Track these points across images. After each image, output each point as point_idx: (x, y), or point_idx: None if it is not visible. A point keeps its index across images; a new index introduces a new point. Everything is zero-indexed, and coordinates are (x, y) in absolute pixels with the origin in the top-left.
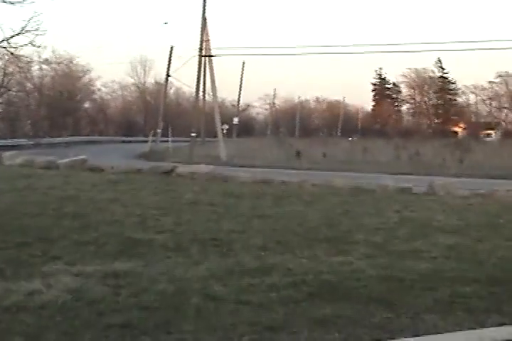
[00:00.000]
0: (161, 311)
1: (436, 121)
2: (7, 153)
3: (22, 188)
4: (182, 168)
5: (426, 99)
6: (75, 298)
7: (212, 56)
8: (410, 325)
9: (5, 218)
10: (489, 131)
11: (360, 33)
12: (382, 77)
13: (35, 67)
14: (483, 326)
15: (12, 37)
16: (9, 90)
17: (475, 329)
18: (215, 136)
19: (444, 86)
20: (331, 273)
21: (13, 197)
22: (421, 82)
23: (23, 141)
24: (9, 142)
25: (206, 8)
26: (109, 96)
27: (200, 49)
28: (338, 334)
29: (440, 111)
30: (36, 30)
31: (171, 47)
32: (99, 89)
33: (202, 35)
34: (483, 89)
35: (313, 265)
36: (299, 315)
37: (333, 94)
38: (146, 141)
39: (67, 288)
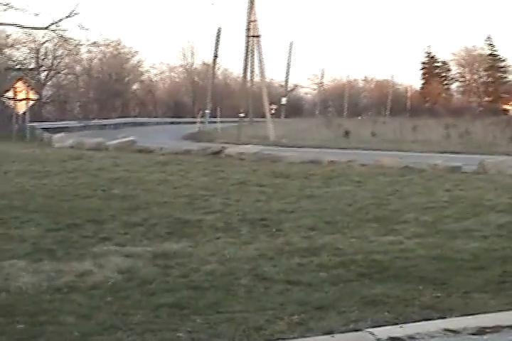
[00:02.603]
0: (210, 291)
1: (486, 99)
2: (56, 136)
3: (71, 170)
4: (230, 149)
5: (476, 77)
6: (125, 279)
7: (258, 36)
8: (460, 304)
9: (55, 200)
10: None
11: (410, 11)
12: (432, 55)
13: (83, 50)
14: None
15: (61, 20)
16: (58, 73)
17: None
18: (264, 117)
19: (494, 63)
20: (381, 252)
21: (63, 179)
22: (471, 60)
23: (72, 123)
24: (59, 124)
25: None
26: (157, 78)
27: (248, 29)
28: (387, 314)
29: (490, 89)
30: (84, 13)
31: (218, 29)
32: (147, 71)
33: (249, 15)
34: None
35: (363, 245)
36: (349, 294)
37: (382, 73)
38: (195, 122)
39: (118, 269)
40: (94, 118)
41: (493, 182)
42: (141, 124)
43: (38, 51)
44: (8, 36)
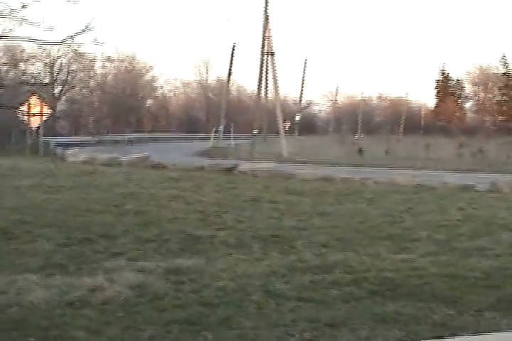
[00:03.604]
0: (222, 307)
1: (500, 118)
2: (70, 150)
3: (84, 185)
4: (244, 165)
5: (490, 95)
6: (137, 294)
7: (273, 53)
8: (472, 322)
9: (67, 214)
10: None
11: (423, 29)
12: (446, 73)
13: (98, 65)
14: None
15: (76, 35)
16: (73, 87)
17: None
18: (277, 133)
19: (508, 82)
20: (393, 270)
21: (75, 194)
22: (485, 79)
23: (86, 139)
24: (72, 139)
25: (268, 5)
26: (171, 94)
27: (262, 46)
28: (399, 332)
29: (504, 108)
30: (99, 28)
31: (233, 45)
32: (161, 87)
33: (264, 32)
34: None
35: (375, 262)
36: (360, 312)
37: (396, 91)
38: (208, 138)
39: (130, 284)
40: (107, 134)
41: (506, 201)
42: (155, 140)
43: (52, 66)
44: (22, 51)
